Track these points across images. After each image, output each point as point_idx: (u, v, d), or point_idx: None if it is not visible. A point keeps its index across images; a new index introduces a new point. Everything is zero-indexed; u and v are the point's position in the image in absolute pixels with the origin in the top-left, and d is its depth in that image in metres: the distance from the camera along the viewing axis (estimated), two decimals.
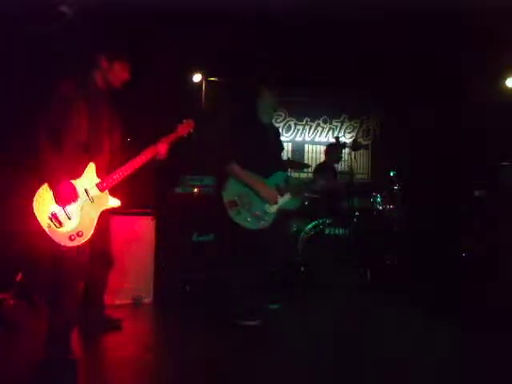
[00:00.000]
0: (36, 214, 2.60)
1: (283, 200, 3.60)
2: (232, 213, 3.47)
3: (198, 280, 4.51)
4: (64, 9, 3.43)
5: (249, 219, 3.48)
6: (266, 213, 3.52)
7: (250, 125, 3.65)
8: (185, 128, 3.32)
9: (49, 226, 2.61)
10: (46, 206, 2.63)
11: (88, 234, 2.70)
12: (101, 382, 2.57)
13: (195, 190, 4.70)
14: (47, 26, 3.39)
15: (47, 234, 2.61)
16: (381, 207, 5.32)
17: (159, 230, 4.26)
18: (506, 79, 5.83)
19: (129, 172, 2.94)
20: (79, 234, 2.66)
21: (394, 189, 5.32)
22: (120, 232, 4.00)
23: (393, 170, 5.37)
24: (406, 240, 5.17)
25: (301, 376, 2.66)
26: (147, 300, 4.07)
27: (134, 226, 4.12)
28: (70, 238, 2.64)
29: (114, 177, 2.89)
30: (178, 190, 4.66)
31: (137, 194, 4.26)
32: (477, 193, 4.83)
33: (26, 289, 3.72)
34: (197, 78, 5.55)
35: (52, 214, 2.62)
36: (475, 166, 5.44)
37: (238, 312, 3.49)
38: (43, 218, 2.61)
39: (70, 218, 2.66)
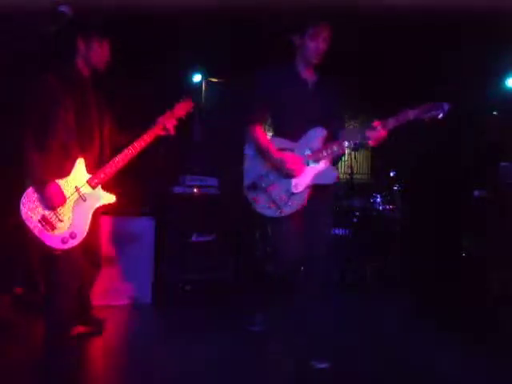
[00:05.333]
0: (24, 217, 2.46)
1: (315, 169, 2.70)
2: (250, 200, 2.78)
3: (198, 280, 4.51)
4: (64, 9, 3.38)
5: (270, 205, 2.71)
6: (291, 194, 2.68)
7: (278, 80, 2.83)
8: (183, 107, 2.99)
9: (39, 230, 2.47)
10: (35, 209, 2.49)
11: (82, 234, 2.57)
12: (99, 383, 2.57)
13: (195, 189, 4.70)
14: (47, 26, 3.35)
15: (38, 238, 2.48)
16: (381, 207, 5.32)
17: (159, 230, 4.26)
18: (506, 79, 5.81)
19: (122, 164, 2.73)
20: (72, 236, 2.53)
21: (393, 189, 5.31)
22: (119, 232, 4.01)
23: (393, 170, 5.36)
24: (406, 240, 5.16)
25: (300, 376, 2.66)
26: (146, 300, 4.06)
27: (133, 226, 4.12)
28: (63, 241, 2.51)
29: (106, 171, 2.69)
30: (178, 190, 4.66)
31: (136, 195, 4.26)
32: (476, 193, 4.83)
33: (27, 289, 3.71)
34: (197, 78, 5.54)
35: (42, 217, 2.49)
36: (475, 166, 5.43)
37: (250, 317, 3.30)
38: (32, 222, 2.47)
39: (61, 220, 2.53)
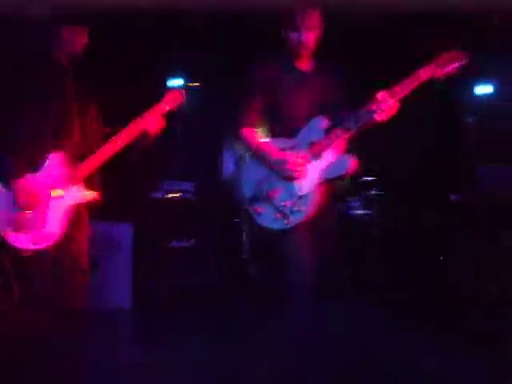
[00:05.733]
0: None
1: (322, 163, 2.40)
2: (251, 212, 2.45)
3: (177, 286, 4.48)
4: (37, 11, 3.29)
5: (275, 216, 2.39)
6: (298, 198, 2.37)
7: (266, 72, 2.60)
8: (174, 99, 2.63)
9: (7, 231, 2.27)
10: (3, 208, 2.28)
11: (56, 235, 2.34)
12: None
13: (173, 194, 4.68)
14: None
15: (5, 239, 2.27)
16: (359, 211, 5.35)
17: (137, 236, 4.22)
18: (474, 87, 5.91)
19: (105, 158, 2.44)
20: (45, 236, 2.32)
21: (370, 193, 5.35)
22: (98, 238, 3.94)
23: (369, 174, 5.40)
24: (385, 244, 5.19)
25: (298, 377, 2.63)
26: (126, 306, 4.01)
27: (111, 233, 4.08)
28: (34, 242, 2.30)
29: (87, 166, 2.42)
30: (157, 195, 4.62)
31: (114, 200, 4.19)
32: (453, 197, 4.90)
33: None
34: (177, 82, 5.48)
35: (11, 216, 2.28)
36: (454, 170, 5.51)
37: None
38: (1, 223, 2.27)
39: (33, 219, 2.31)
